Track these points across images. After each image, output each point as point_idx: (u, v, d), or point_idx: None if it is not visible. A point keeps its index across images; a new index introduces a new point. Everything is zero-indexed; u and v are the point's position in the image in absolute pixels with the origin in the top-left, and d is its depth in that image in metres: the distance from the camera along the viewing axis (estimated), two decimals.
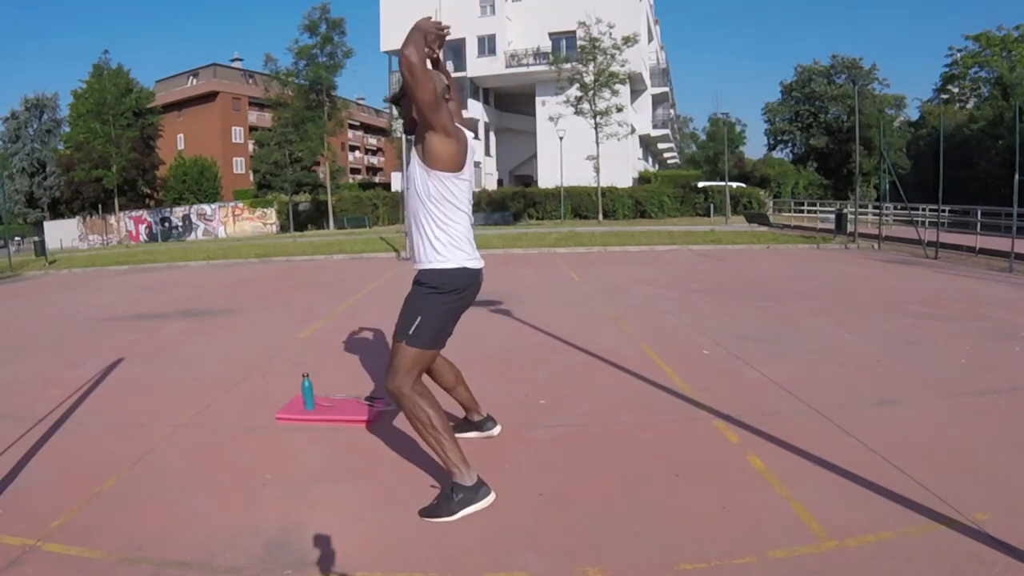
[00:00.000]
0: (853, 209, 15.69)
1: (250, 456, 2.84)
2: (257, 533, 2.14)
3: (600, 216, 30.07)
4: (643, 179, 36.04)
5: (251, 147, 50.61)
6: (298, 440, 3.00)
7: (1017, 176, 10.01)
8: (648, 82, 37.55)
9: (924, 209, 17.51)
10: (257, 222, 37.13)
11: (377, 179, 59.77)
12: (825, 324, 5.34)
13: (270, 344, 5.20)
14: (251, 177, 49.63)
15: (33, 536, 2.13)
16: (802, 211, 26.05)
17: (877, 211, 19.24)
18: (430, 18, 2.24)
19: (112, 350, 5.12)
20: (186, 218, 37.80)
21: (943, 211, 13.03)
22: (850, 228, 15.27)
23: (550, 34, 33.67)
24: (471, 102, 34.54)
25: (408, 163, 2.41)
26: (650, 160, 45.75)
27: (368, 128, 65.21)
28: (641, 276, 9.15)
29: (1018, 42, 40.51)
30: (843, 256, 12.06)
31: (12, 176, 39.80)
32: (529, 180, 37.02)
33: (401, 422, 3.19)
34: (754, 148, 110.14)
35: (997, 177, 30.04)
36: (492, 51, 34.70)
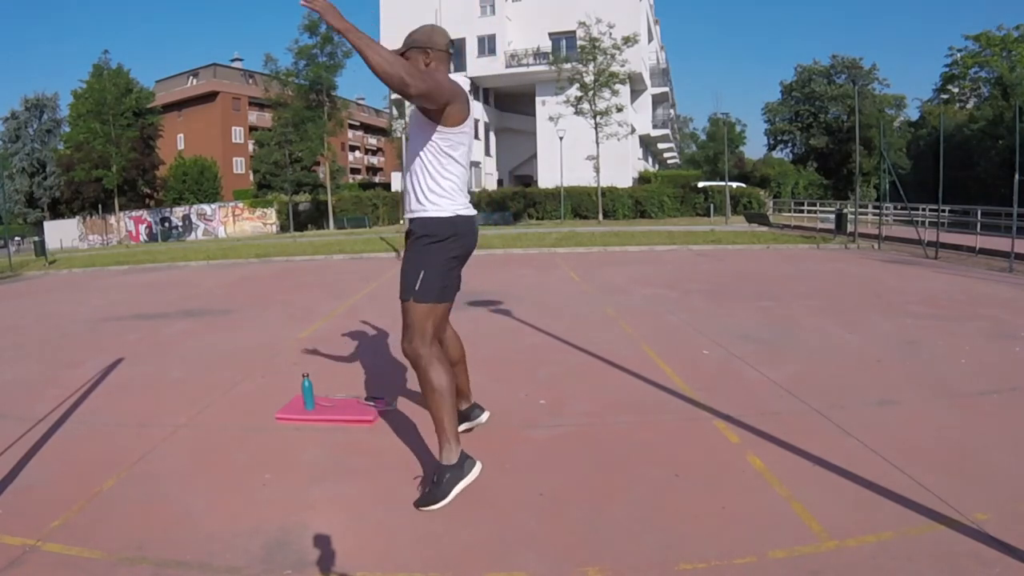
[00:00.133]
0: (853, 209, 15.69)
1: (250, 456, 2.84)
2: (257, 533, 2.14)
3: (600, 216, 30.08)
4: (643, 179, 36.05)
5: (251, 147, 50.63)
6: (298, 440, 3.00)
7: (1017, 176, 10.02)
8: (648, 82, 37.55)
9: (924, 209, 17.51)
10: (257, 222, 37.15)
11: (377, 179, 59.79)
12: (825, 324, 5.34)
13: (270, 344, 5.20)
14: (251, 177, 49.65)
15: (33, 536, 2.13)
16: (802, 211, 26.06)
17: (877, 211, 19.24)
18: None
19: (112, 350, 5.12)
20: (186, 218, 37.81)
21: (943, 211, 13.03)
22: (850, 228, 15.27)
23: (550, 34, 33.68)
24: (471, 102, 34.51)
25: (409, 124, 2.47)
26: (650, 160, 45.75)
27: (368, 128, 65.22)
28: (641, 276, 9.15)
29: (1018, 42, 40.54)
30: (843, 256, 12.06)
31: (12, 176, 39.82)
32: (529, 180, 37.02)
33: (402, 422, 3.20)
34: (754, 148, 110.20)
35: (997, 177, 30.05)
36: (492, 51, 34.70)
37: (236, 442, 3.01)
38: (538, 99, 34.59)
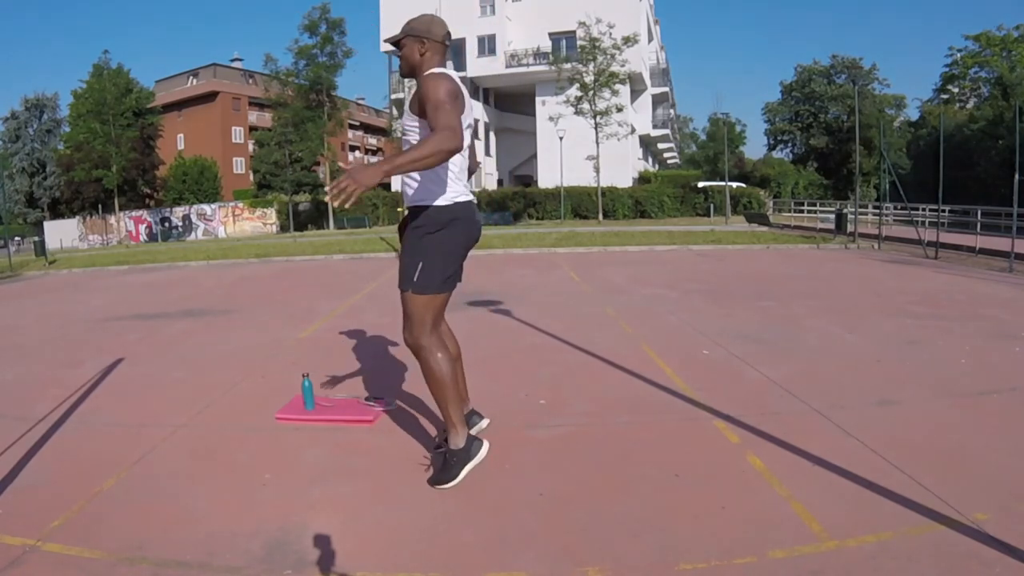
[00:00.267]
0: (853, 209, 15.69)
1: (250, 456, 2.84)
2: (257, 533, 2.13)
3: (600, 216, 30.08)
4: (643, 179, 36.06)
5: (251, 147, 50.60)
6: (298, 440, 3.00)
7: (1017, 176, 10.01)
8: (648, 82, 37.56)
9: (924, 209, 17.51)
10: (257, 222, 37.15)
11: None
12: (825, 324, 5.34)
13: (270, 344, 5.20)
14: (251, 177, 49.62)
15: (33, 536, 2.13)
16: (802, 211, 26.06)
17: (877, 211, 19.24)
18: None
19: (112, 350, 5.12)
20: (186, 218, 37.82)
21: (943, 211, 13.02)
22: (850, 228, 15.26)
23: (550, 34, 33.68)
24: (471, 102, 34.52)
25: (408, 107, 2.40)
26: (650, 160, 45.76)
27: (368, 128, 65.21)
28: (641, 276, 9.15)
29: (1018, 42, 40.55)
30: (843, 256, 12.06)
31: (12, 176, 39.82)
32: (529, 180, 37.03)
33: (402, 422, 3.20)
34: (754, 148, 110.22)
35: (997, 177, 30.05)
36: (492, 51, 34.70)
37: (236, 442, 3.01)
38: (538, 99, 34.60)
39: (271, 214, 37.09)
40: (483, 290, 7.54)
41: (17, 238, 33.76)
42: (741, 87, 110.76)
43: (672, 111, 49.08)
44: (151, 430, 3.17)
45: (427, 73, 2.33)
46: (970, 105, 43.26)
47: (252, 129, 51.69)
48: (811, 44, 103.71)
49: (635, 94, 36.51)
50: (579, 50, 28.10)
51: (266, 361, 4.60)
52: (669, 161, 54.96)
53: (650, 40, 39.93)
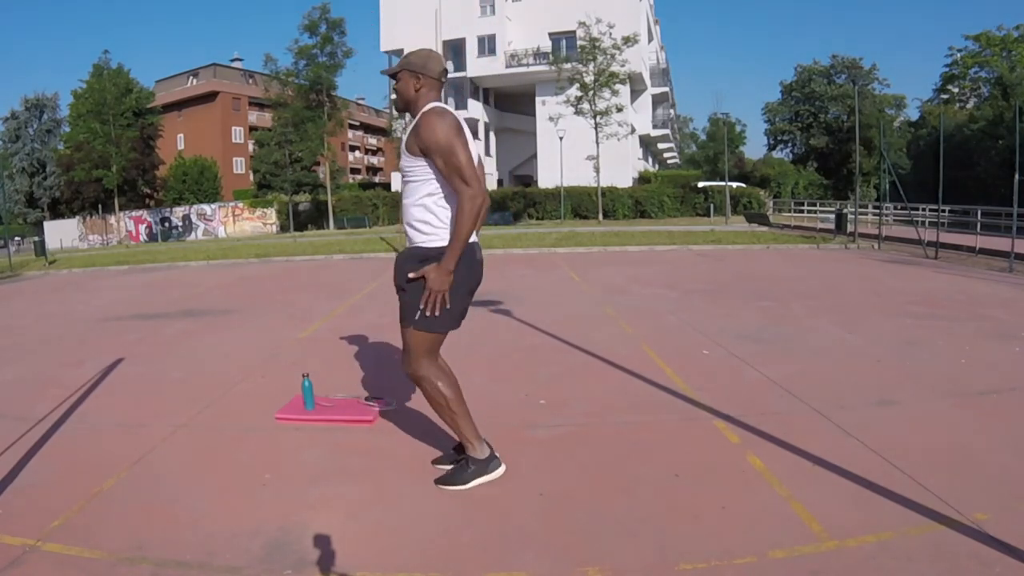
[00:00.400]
0: (853, 209, 15.69)
1: (250, 456, 2.84)
2: (257, 533, 2.14)
3: (600, 216, 30.07)
4: (643, 179, 36.05)
5: (251, 147, 50.61)
6: (298, 440, 3.00)
7: (1017, 176, 10.01)
8: (648, 82, 37.55)
9: (924, 209, 17.51)
10: (257, 222, 37.15)
11: (377, 179, 59.77)
12: (825, 324, 5.34)
13: (270, 344, 5.20)
14: (251, 177, 49.63)
15: (33, 536, 2.13)
16: (802, 211, 26.05)
17: (877, 211, 19.23)
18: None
19: (112, 350, 5.12)
20: (186, 218, 37.82)
21: (943, 211, 13.02)
22: (850, 228, 15.26)
23: (550, 34, 33.67)
24: (471, 102, 34.55)
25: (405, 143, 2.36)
26: (650, 160, 45.75)
27: (368, 128, 65.20)
28: (641, 276, 9.15)
29: (1018, 42, 40.54)
30: (843, 256, 12.06)
31: (12, 176, 39.81)
32: (529, 180, 37.02)
33: (402, 422, 3.19)
34: (754, 148, 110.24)
35: (997, 177, 30.04)
36: (492, 51, 34.69)
37: (236, 442, 3.01)
38: (538, 99, 34.59)
39: (271, 214, 37.09)
40: (483, 290, 7.50)
41: (17, 238, 33.76)
42: (741, 87, 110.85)
43: (672, 111, 49.08)
44: (151, 430, 3.17)
45: (424, 111, 2.29)
46: (970, 105, 43.24)
47: (252, 129, 51.70)
48: (811, 44, 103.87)
49: (635, 94, 36.50)
50: (579, 50, 28.08)
51: (266, 361, 4.60)
52: (669, 161, 54.96)
53: (650, 40, 39.92)
